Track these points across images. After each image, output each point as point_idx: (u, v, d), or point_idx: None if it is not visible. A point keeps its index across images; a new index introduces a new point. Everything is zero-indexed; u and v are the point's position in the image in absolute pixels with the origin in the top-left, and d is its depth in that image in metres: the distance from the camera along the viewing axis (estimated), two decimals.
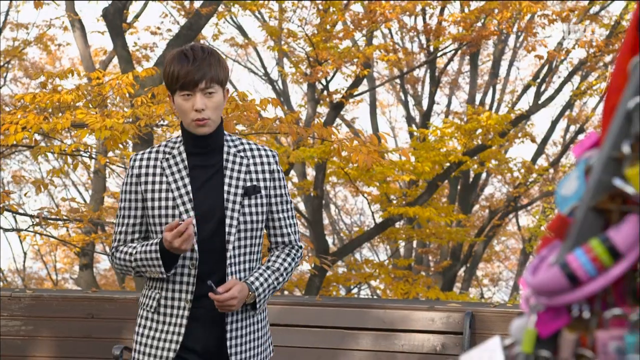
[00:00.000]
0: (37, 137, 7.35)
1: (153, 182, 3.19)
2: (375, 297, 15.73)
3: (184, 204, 3.13)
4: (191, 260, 3.15)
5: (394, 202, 13.27)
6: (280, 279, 3.28)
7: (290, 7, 12.65)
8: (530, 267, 1.29)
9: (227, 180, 3.17)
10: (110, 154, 8.80)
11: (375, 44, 12.57)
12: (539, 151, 15.66)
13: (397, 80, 15.76)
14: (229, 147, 3.22)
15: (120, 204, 3.29)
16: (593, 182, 1.24)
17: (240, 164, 3.20)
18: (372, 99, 15.85)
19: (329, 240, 16.10)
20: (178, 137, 3.23)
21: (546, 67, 14.04)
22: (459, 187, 15.00)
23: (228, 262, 3.14)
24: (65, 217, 9.78)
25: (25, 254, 17.24)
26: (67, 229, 12.88)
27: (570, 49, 13.57)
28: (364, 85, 13.67)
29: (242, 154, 3.22)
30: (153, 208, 3.17)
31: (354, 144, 6.90)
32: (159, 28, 13.86)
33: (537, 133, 16.35)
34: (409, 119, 16.18)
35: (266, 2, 11.46)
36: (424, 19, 13.63)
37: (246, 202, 3.18)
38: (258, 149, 3.27)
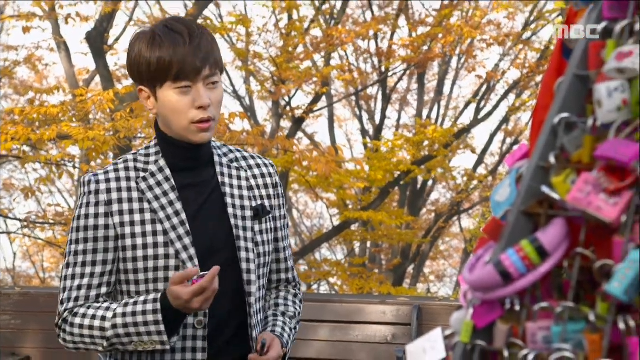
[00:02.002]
0: (26, 148, 7.26)
1: (131, 212, 2.04)
2: (333, 292, 15.71)
3: (179, 238, 2.02)
4: (196, 317, 2.02)
5: (350, 206, 13.28)
6: (297, 327, 2.33)
7: (256, 31, 12.63)
8: (468, 265, 1.30)
9: (229, 200, 2.10)
10: (92, 163, 8.71)
11: (332, 65, 12.58)
12: (479, 161, 15.74)
13: (353, 97, 15.77)
14: (219, 156, 2.17)
15: (72, 247, 2.06)
16: (523, 189, 1.25)
17: (239, 178, 2.15)
18: (330, 114, 15.85)
19: (292, 241, 16.07)
20: (149, 147, 2.14)
21: (485, 86, 14.14)
22: (408, 193, 15.04)
23: (252, 310, 2.09)
24: (51, 221, 9.68)
25: (14, 254, 17.03)
26: (53, 231, 12.72)
27: (506, 70, 13.69)
28: (322, 102, 13.66)
29: (236, 164, 2.18)
30: (135, 248, 2.01)
31: (314, 154, 6.91)
32: None
33: (477, 145, 16.43)
34: (363, 132, 16.19)
35: (234, 27, 11.42)
36: (377, 42, 13.66)
37: (257, 227, 2.13)
38: (252, 157, 2.23)
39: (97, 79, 12.73)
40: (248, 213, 2.11)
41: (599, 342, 1.12)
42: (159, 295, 1.95)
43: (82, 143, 5.89)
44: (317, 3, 12.27)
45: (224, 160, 2.16)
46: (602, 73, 1.21)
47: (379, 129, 14.99)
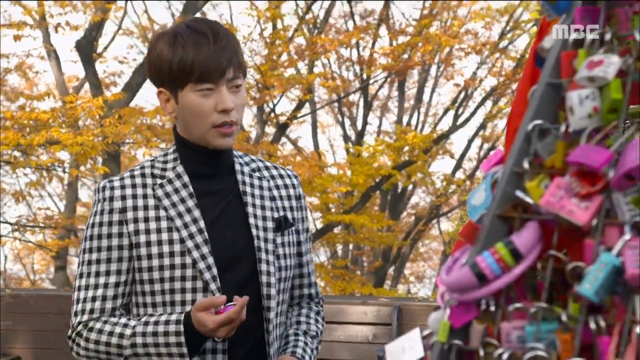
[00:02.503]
0: (17, 153, 7.22)
1: (146, 220, 1.89)
2: None
3: (197, 247, 1.88)
4: None
5: (333, 210, 13.28)
6: (319, 347, 2.11)
7: (242, 40, 12.61)
8: (445, 267, 1.30)
9: (250, 210, 1.96)
10: (82, 168, 8.67)
11: (315, 72, 12.60)
12: (458, 166, 15.79)
13: (335, 104, 15.78)
14: (241, 165, 2.02)
15: (86, 257, 1.93)
16: (498, 193, 1.25)
17: (261, 188, 2.00)
18: (314, 120, 15.85)
19: None
20: (167, 153, 1.99)
21: (463, 94, 14.19)
22: (389, 197, 15.06)
23: (270, 326, 1.95)
24: (41, 224, 9.63)
25: (5, 257, 16.94)
26: (43, 234, 12.65)
27: (483, 78, 13.75)
28: (306, 108, 13.66)
29: (258, 174, 2.03)
30: (150, 258, 1.88)
31: (297, 159, 6.90)
32: (125, 58, 13.74)
33: (455, 150, 16.46)
34: (346, 138, 16.20)
35: None
36: (358, 51, 13.69)
37: (279, 240, 1.98)
38: (275, 168, 2.09)
39: (87, 86, 12.67)
40: (270, 224, 1.97)
41: (571, 342, 1.13)
42: (182, 316, 1.83)
43: (71, 148, 5.88)
44: (300, 11, 12.29)
45: (246, 169, 2.01)
46: (574, 81, 1.21)
47: (360, 135, 15.01)
